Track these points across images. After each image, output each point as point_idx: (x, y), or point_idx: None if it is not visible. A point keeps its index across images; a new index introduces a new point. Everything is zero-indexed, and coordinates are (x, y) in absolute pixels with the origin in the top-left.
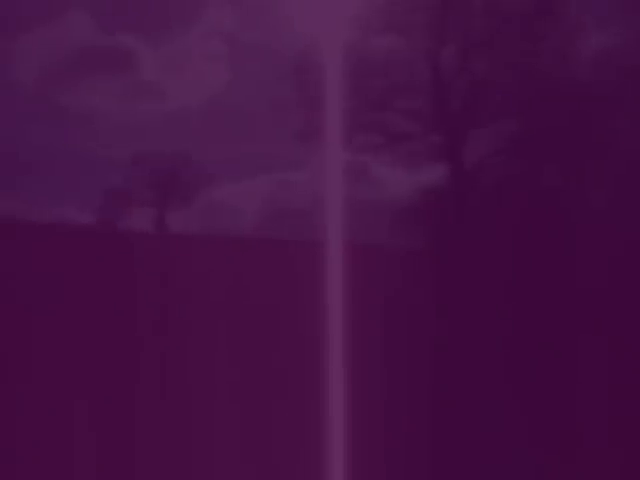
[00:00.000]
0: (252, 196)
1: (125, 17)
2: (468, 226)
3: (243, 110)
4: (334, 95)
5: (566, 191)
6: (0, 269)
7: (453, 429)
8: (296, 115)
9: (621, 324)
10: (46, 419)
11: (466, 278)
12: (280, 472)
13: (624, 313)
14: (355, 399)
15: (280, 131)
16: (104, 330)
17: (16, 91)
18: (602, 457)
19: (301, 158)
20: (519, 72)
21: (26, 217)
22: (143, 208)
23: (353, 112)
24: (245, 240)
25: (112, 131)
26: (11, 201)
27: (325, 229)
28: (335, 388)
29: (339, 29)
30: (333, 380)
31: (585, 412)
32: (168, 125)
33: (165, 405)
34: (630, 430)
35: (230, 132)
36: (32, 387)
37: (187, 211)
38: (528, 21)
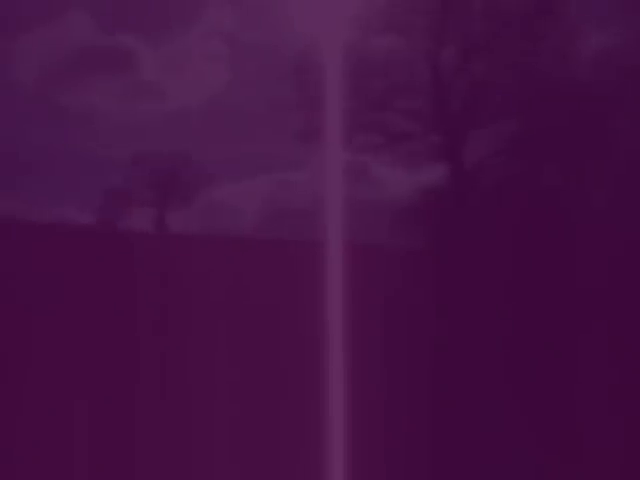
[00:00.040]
0: (252, 196)
1: (125, 17)
2: (468, 226)
3: (243, 110)
4: (334, 95)
5: (566, 191)
6: (0, 269)
7: (453, 429)
8: (296, 115)
9: (622, 324)
10: (46, 419)
11: (466, 278)
12: (280, 472)
13: (625, 313)
14: (355, 399)
15: (280, 131)
16: (104, 330)
17: (16, 91)
18: (603, 457)
19: (301, 158)
20: (519, 72)
21: (26, 217)
22: (143, 208)
23: (353, 112)
24: (245, 240)
25: (112, 131)
26: (11, 201)
27: (325, 229)
28: (335, 388)
29: (339, 29)
30: (333, 380)
31: (586, 412)
32: (168, 125)
33: (165, 405)
34: (631, 430)
35: (230, 132)
36: (33, 387)
37: (187, 211)
38: (528, 21)
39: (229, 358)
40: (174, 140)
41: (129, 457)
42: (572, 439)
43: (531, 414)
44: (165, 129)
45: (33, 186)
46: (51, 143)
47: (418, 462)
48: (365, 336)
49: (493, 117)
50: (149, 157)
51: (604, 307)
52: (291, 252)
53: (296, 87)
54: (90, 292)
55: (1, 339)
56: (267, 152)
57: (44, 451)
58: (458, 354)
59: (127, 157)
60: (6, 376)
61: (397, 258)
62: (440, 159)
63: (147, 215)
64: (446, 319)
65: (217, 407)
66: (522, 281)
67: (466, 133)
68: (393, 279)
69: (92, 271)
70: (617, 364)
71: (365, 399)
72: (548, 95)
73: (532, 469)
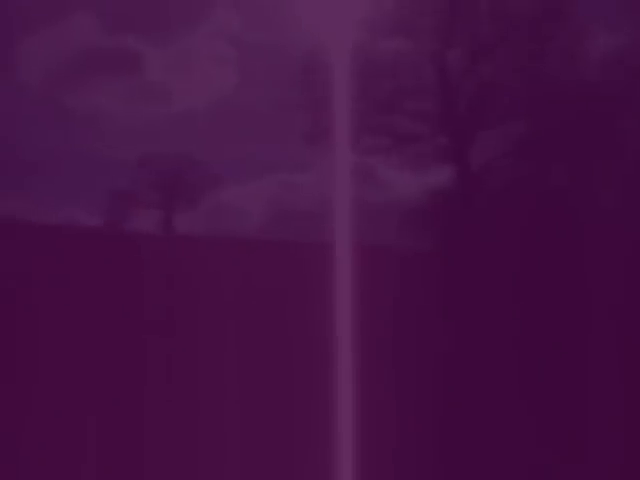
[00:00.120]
0: (258, 198)
1: (131, 19)
2: (476, 227)
3: (249, 112)
4: (341, 97)
5: (574, 192)
6: (8, 270)
7: (460, 429)
8: (303, 117)
9: (631, 324)
10: (55, 420)
11: (474, 279)
12: (289, 471)
13: (634, 313)
14: (364, 399)
15: (287, 133)
16: (111, 331)
17: (22, 93)
18: (612, 458)
19: (308, 160)
20: (526, 74)
21: (33, 218)
22: (149, 210)
23: (360, 114)
24: (251, 242)
25: (118, 133)
26: (18, 202)
27: (332, 231)
28: (344, 389)
29: (347, 31)
30: (342, 381)
31: (593, 414)
32: (174, 127)
33: (173, 405)
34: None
35: (236, 134)
36: (43, 388)
37: (193, 213)
38: (535, 23)
39: (236, 359)
40: (180, 142)
41: (138, 458)
42: (580, 440)
43: (539, 415)
44: (171, 131)
45: (39, 187)
46: (57, 145)
47: (426, 462)
48: (373, 337)
49: (501, 119)
50: (155, 159)
51: (613, 307)
52: (297, 254)
53: (303, 89)
54: (97, 293)
55: (7, 340)
56: (274, 154)
57: (50, 452)
58: (466, 355)
59: (133, 159)
60: (15, 376)
61: (405, 259)
62: (448, 161)
63: (153, 217)
64: (454, 320)
65: (225, 408)
66: (530, 282)
67: (474, 135)
68: (401, 280)
69: (99, 272)
70: (627, 365)
71: (373, 399)
72: (556, 96)
73: (539, 470)
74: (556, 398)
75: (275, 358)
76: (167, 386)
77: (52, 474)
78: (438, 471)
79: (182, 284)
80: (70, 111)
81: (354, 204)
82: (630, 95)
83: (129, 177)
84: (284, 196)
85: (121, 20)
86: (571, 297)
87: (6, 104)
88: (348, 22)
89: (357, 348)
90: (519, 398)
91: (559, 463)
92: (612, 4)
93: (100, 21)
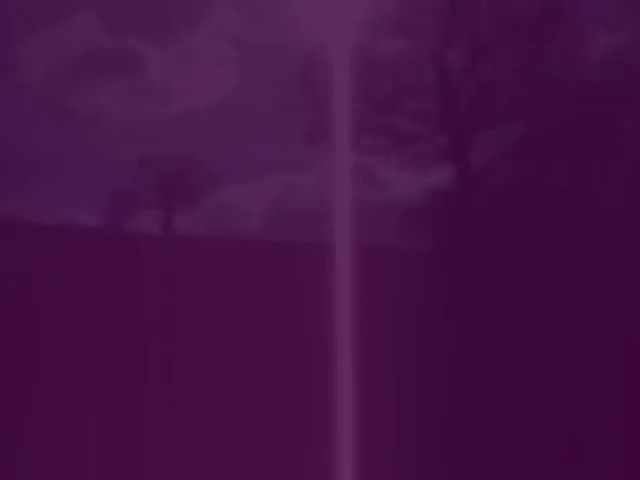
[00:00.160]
0: (258, 198)
1: (132, 19)
2: (476, 227)
3: (249, 112)
4: (342, 97)
5: (574, 192)
6: (8, 270)
7: (461, 429)
8: (303, 117)
9: (631, 324)
10: (54, 420)
11: (474, 279)
12: (289, 471)
13: (634, 314)
14: (364, 399)
15: (287, 133)
16: (111, 331)
17: (23, 93)
18: (612, 459)
19: (308, 160)
20: (526, 74)
21: (33, 219)
22: (150, 210)
23: (361, 114)
24: (251, 242)
25: (119, 133)
26: (18, 202)
27: (333, 231)
28: (344, 389)
29: (347, 31)
30: (342, 381)
31: (593, 414)
32: (175, 127)
33: (173, 406)
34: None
35: (236, 134)
36: (43, 388)
37: (193, 213)
38: (535, 23)
39: (236, 359)
40: (181, 142)
41: (138, 458)
42: (580, 440)
43: (539, 415)
44: (172, 131)
45: (40, 187)
46: (57, 145)
47: (426, 462)
48: (373, 337)
49: (501, 119)
50: (156, 159)
51: (613, 307)
52: (298, 254)
53: (303, 89)
54: (97, 293)
55: (7, 340)
56: (274, 154)
57: (50, 453)
58: (466, 355)
59: (134, 159)
60: (15, 376)
61: (405, 259)
62: (448, 161)
63: (153, 217)
64: (454, 320)
65: (225, 408)
66: (530, 282)
67: (474, 135)
68: (401, 280)
69: (99, 273)
70: (627, 365)
71: (373, 399)
72: (556, 96)
73: (539, 470)
74: (556, 398)
75: (275, 358)
76: (167, 386)
77: (52, 474)
78: (438, 471)
79: (182, 284)
80: (70, 111)
81: (354, 204)
82: (630, 95)
83: (129, 177)
84: (284, 196)
85: (121, 20)
86: (571, 297)
87: (6, 104)
88: (348, 22)
89: (357, 348)
90: (519, 398)
91: (559, 463)
92: (612, 4)
93: (100, 21)
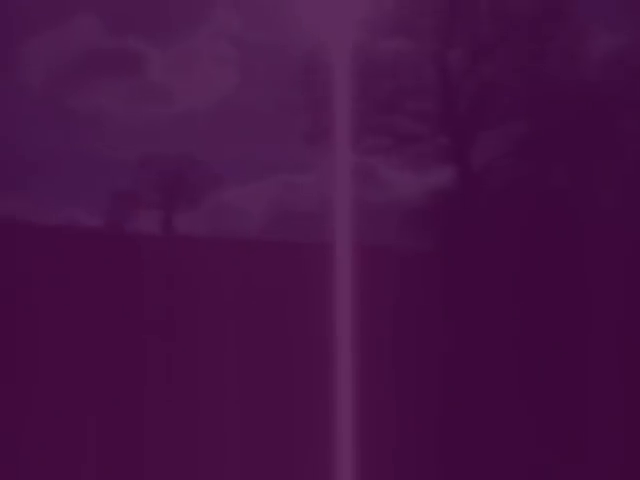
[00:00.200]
0: (259, 198)
1: (132, 19)
2: (476, 228)
3: (250, 112)
4: (342, 97)
5: (575, 192)
6: (8, 270)
7: (461, 429)
8: (304, 117)
9: (631, 324)
10: (54, 420)
11: (474, 279)
12: (289, 471)
13: (634, 313)
14: (364, 399)
15: (288, 133)
16: (111, 332)
17: (24, 93)
18: (609, 458)
19: (308, 160)
20: (527, 74)
21: (33, 219)
22: (150, 210)
23: (361, 114)
24: (252, 242)
25: (119, 133)
26: (18, 202)
27: (333, 231)
28: (344, 388)
29: (347, 31)
30: (342, 380)
31: (593, 414)
32: (175, 127)
33: (173, 406)
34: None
35: (237, 134)
36: (42, 389)
37: (194, 213)
38: (535, 23)
39: (236, 359)
40: (181, 142)
41: (138, 458)
42: (580, 440)
43: (539, 415)
44: (172, 131)
45: (39, 187)
46: (57, 145)
47: (426, 462)
48: (373, 337)
49: (501, 119)
50: (156, 159)
51: (613, 308)
52: (298, 254)
53: (304, 89)
54: (97, 294)
55: (7, 340)
56: (274, 154)
57: (50, 453)
58: (466, 355)
59: (134, 159)
60: (15, 376)
61: (405, 259)
62: (448, 161)
63: (154, 217)
64: (454, 320)
65: (225, 408)
66: (530, 282)
67: (474, 135)
68: (401, 280)
69: (99, 273)
70: (627, 365)
71: (373, 399)
72: (556, 96)
73: (539, 470)
74: (556, 398)
75: (275, 358)
76: (167, 386)
77: (52, 474)
78: (438, 471)
79: (182, 284)
80: (71, 111)
81: (354, 204)
82: (630, 95)
83: (130, 177)
84: (285, 196)
85: (122, 21)
86: (571, 297)
87: (6, 104)
88: (348, 22)
89: (357, 348)
90: (519, 398)
91: (559, 463)
92: (612, 4)
93: (101, 21)
